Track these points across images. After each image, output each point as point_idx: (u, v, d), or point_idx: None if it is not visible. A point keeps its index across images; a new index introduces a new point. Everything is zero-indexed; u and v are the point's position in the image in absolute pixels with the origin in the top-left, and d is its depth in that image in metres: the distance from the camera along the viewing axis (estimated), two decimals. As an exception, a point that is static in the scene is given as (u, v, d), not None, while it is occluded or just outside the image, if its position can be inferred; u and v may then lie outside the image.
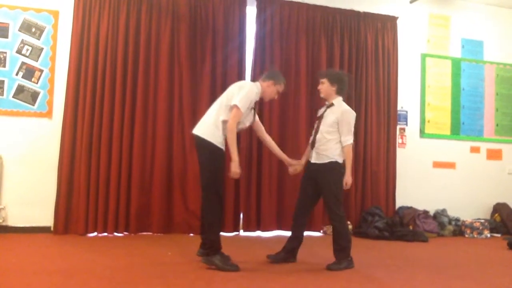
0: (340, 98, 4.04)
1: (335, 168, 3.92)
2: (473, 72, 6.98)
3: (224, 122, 3.73)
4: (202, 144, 3.72)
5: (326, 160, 3.91)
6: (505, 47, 7.15)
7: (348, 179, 3.92)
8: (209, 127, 3.74)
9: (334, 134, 3.92)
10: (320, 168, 3.93)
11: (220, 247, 3.70)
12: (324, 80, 4.03)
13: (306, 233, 4.03)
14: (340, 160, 3.94)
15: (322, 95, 4.09)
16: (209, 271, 3.58)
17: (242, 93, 3.72)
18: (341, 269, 3.79)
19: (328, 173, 3.92)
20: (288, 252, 4.05)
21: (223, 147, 3.75)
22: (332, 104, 4.01)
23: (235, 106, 3.68)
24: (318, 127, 4.00)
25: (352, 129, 3.97)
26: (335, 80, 4.01)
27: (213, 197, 3.69)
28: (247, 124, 3.95)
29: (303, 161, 4.20)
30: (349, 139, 3.92)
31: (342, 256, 3.87)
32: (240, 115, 3.70)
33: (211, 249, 3.67)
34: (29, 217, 5.20)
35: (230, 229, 5.65)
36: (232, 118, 3.68)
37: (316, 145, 3.97)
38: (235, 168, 3.71)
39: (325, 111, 4.03)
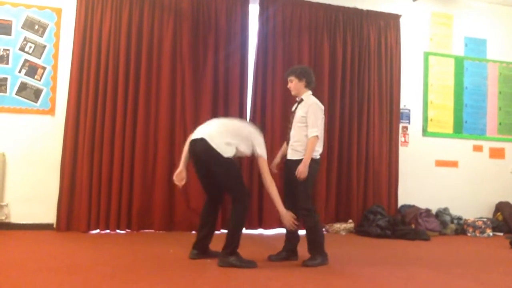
0: (309, 93, 4.06)
1: (309, 165, 3.90)
2: (476, 70, 6.97)
3: (230, 144, 3.76)
4: (212, 154, 3.70)
5: (300, 156, 3.91)
6: (509, 45, 7.13)
7: (303, 171, 3.81)
8: (220, 143, 3.71)
9: (305, 129, 3.92)
10: (294, 164, 3.91)
11: (237, 248, 3.73)
12: (292, 78, 4.05)
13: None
14: (315, 156, 3.93)
15: (293, 93, 4.11)
16: (211, 269, 3.59)
17: (261, 144, 3.87)
18: (316, 265, 3.79)
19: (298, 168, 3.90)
20: (289, 251, 4.05)
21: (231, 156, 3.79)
22: (301, 100, 4.03)
23: (263, 158, 3.81)
24: (291, 123, 4.05)
25: (319, 121, 3.92)
26: (302, 74, 4.03)
27: (244, 197, 3.77)
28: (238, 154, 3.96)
29: (277, 159, 4.28)
30: (313, 132, 3.87)
31: (315, 251, 3.87)
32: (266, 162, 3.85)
33: (229, 249, 3.68)
34: (32, 214, 5.22)
35: (232, 227, 5.66)
36: (266, 170, 3.81)
37: (290, 141, 4.01)
38: (287, 219, 3.83)
39: (296, 107, 4.07)
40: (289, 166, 3.99)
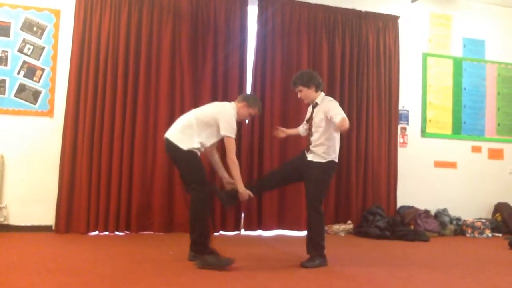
0: (322, 94, 4.03)
1: (330, 168, 3.95)
2: (474, 71, 6.98)
3: (194, 133, 3.82)
4: (175, 150, 3.81)
5: (323, 160, 3.91)
6: (507, 46, 7.14)
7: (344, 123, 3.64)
8: (184, 137, 3.81)
9: (326, 131, 3.91)
10: (315, 165, 3.91)
11: (208, 244, 3.73)
12: (300, 88, 3.98)
13: (305, 232, 4.02)
14: (336, 159, 3.96)
15: (306, 101, 4.09)
16: (210, 270, 3.58)
17: (226, 122, 3.83)
18: (315, 266, 3.79)
19: (321, 171, 3.91)
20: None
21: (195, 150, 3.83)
22: (317, 104, 4.00)
23: (228, 137, 3.80)
24: (310, 129, 4.01)
25: (341, 109, 3.88)
26: (308, 81, 3.96)
27: (200, 194, 3.77)
28: (209, 144, 3.96)
29: (286, 131, 4.38)
30: (338, 115, 3.70)
31: (315, 253, 3.88)
32: (234, 143, 3.83)
33: (198, 248, 3.69)
34: (31, 216, 5.21)
35: (231, 228, 5.67)
36: (231, 150, 3.81)
37: (311, 145, 3.96)
38: (245, 197, 3.91)
39: (312, 111, 4.04)
40: (306, 164, 3.95)
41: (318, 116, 3.94)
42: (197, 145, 3.82)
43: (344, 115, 3.75)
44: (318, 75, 4.08)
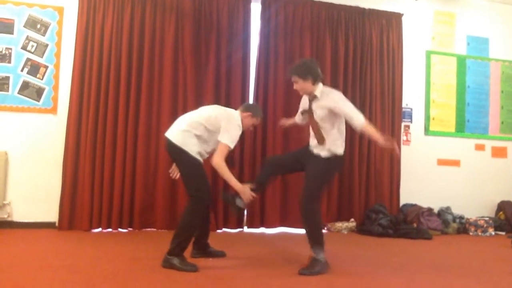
0: (319, 87, 3.70)
1: (334, 163, 3.75)
2: (478, 69, 6.95)
3: (199, 137, 3.68)
4: (178, 152, 3.66)
5: (328, 154, 3.70)
6: (511, 44, 7.10)
7: (393, 144, 3.53)
8: (186, 139, 3.65)
9: (330, 125, 3.70)
10: (318, 159, 3.73)
11: (183, 251, 3.59)
12: (296, 79, 3.68)
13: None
14: (341, 152, 3.76)
15: (301, 93, 3.83)
16: (212, 268, 3.59)
17: (229, 131, 3.67)
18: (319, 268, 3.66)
19: (323, 166, 3.72)
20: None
21: (199, 157, 3.70)
22: (315, 97, 3.71)
23: (225, 144, 3.63)
24: (315, 125, 3.76)
25: (353, 107, 3.64)
26: (305, 72, 3.65)
27: (195, 204, 3.63)
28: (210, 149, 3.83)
29: (288, 121, 4.33)
30: (360, 118, 3.57)
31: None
32: (226, 152, 3.64)
33: (173, 250, 3.55)
34: (34, 212, 5.23)
35: (234, 226, 5.67)
36: (219, 154, 3.62)
37: (311, 139, 3.82)
38: (247, 193, 3.72)
39: (310, 105, 3.77)
40: (312, 155, 3.78)
41: (320, 113, 3.69)
42: (199, 149, 3.67)
43: (363, 118, 3.58)
44: (316, 64, 3.78)
